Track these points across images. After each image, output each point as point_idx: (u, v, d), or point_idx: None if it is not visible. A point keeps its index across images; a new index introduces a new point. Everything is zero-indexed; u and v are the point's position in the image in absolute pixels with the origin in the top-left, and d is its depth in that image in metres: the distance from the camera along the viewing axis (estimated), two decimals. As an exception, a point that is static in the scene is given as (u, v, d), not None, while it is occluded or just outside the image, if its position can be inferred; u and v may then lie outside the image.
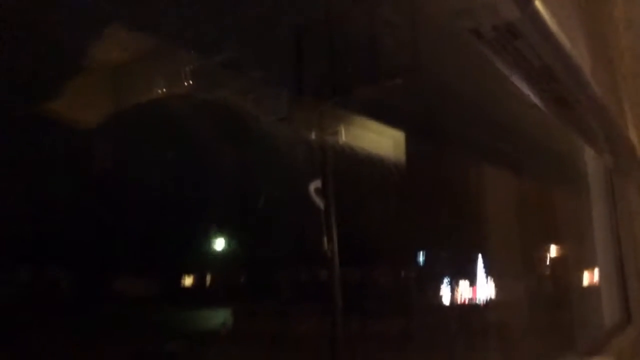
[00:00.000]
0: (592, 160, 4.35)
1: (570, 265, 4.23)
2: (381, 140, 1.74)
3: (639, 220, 4.37)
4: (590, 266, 4.34)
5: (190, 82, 1.18)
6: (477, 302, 2.83)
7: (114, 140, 1.13)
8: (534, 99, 1.89)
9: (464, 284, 2.74)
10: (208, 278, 1.78)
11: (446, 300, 2.62)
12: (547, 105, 1.96)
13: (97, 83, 1.11)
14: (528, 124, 3.05)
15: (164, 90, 1.14)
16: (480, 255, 2.86)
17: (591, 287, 4.41)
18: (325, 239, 1.38)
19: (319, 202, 1.36)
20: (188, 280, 1.79)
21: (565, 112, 2.06)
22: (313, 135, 1.34)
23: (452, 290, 2.70)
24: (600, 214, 4.33)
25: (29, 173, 1.02)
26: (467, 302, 2.79)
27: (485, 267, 2.87)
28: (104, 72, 1.11)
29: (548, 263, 3.95)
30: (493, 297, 2.95)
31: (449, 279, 2.67)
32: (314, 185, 1.35)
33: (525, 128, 3.09)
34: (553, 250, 3.96)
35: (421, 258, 2.44)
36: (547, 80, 1.68)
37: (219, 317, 1.75)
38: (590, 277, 4.47)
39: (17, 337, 0.99)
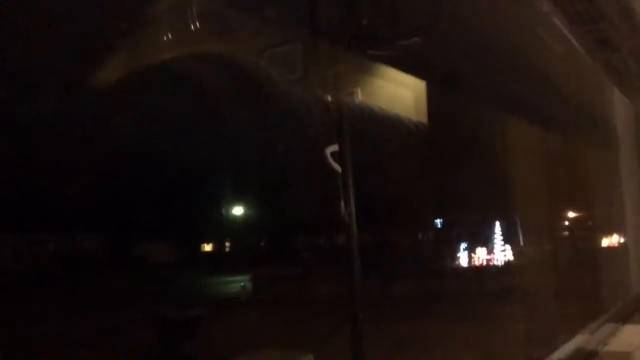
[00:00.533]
0: (622, 116, 4.19)
1: (600, 226, 4.15)
2: (400, 96, 1.71)
3: None
4: (619, 226, 4.24)
5: (197, 25, 1.11)
6: (500, 265, 2.82)
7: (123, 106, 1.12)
8: (575, 41, 1.82)
9: (489, 246, 2.74)
10: (227, 244, 1.79)
11: (464, 262, 2.62)
12: (589, 47, 1.89)
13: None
14: (558, 74, 2.94)
15: (169, 37, 1.07)
16: (502, 219, 2.83)
17: (620, 249, 4.33)
18: (342, 203, 1.37)
19: (336, 166, 1.34)
20: (208, 247, 1.81)
21: (607, 55, 1.99)
22: (329, 97, 1.32)
23: (470, 254, 2.70)
24: (629, 172, 4.19)
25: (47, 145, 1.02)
26: (484, 265, 2.78)
27: (506, 230, 2.85)
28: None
29: (574, 224, 3.89)
30: (513, 261, 2.94)
31: (467, 243, 2.66)
32: (331, 149, 1.33)
33: (556, 79, 2.99)
34: (581, 211, 3.89)
35: (440, 221, 2.43)
36: (594, 20, 1.61)
37: (239, 282, 1.77)
38: (619, 238, 4.39)
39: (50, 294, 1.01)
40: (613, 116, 4.13)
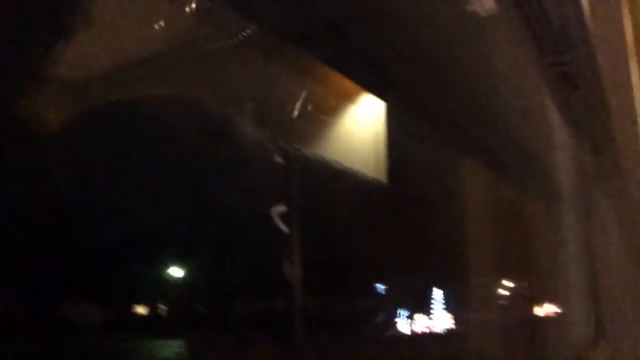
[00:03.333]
0: (566, 170, 4.31)
1: (539, 289, 4.22)
2: (356, 150, 1.70)
3: (611, 233, 4.39)
4: (561, 281, 4.32)
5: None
6: (436, 333, 2.81)
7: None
8: (538, 75, 1.87)
9: (423, 314, 2.72)
10: (162, 306, 1.70)
11: (408, 330, 2.59)
12: (550, 81, 1.95)
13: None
14: (514, 125, 2.96)
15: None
16: (446, 281, 2.83)
17: (563, 303, 4.39)
18: (288, 265, 1.33)
19: (283, 227, 1.31)
20: (141, 309, 1.71)
21: (567, 92, 2.05)
22: (279, 155, 1.29)
23: (411, 321, 2.67)
24: (572, 226, 4.31)
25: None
26: (425, 333, 2.76)
27: (450, 293, 2.85)
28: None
29: (515, 289, 3.94)
30: (453, 329, 2.93)
31: (409, 309, 2.63)
32: (279, 209, 1.30)
33: (511, 129, 3.00)
34: (520, 274, 3.95)
35: (385, 286, 2.40)
36: (560, 51, 1.66)
37: (174, 347, 1.67)
38: (561, 293, 4.46)
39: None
40: (557, 172, 4.26)
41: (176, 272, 1.58)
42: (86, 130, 1.09)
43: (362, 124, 1.74)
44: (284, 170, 1.25)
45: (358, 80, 1.61)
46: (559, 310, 4.23)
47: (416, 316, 2.73)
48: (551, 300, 4.23)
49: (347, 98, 1.68)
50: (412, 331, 2.64)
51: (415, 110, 1.99)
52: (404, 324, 2.66)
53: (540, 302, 4.14)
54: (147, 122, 1.15)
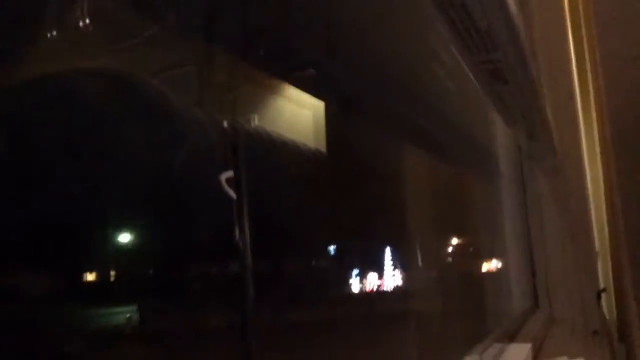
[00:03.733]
0: (503, 145, 4.48)
1: (482, 252, 4.39)
2: (298, 122, 1.71)
3: (546, 206, 4.57)
4: (501, 252, 4.51)
5: (88, 23, 1.04)
6: (387, 291, 2.89)
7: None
8: (469, 71, 1.92)
9: (374, 274, 2.80)
10: (112, 272, 1.70)
11: (356, 289, 2.66)
12: (481, 78, 2.00)
13: None
14: (447, 106, 3.10)
15: (53, 34, 1.00)
16: (392, 245, 2.91)
17: (502, 274, 4.59)
18: (237, 230, 1.34)
19: (231, 192, 1.32)
20: (90, 276, 1.69)
21: (497, 87, 2.11)
22: (225, 122, 1.29)
23: (362, 281, 2.74)
24: (510, 199, 4.49)
25: None
26: (375, 291, 2.84)
27: (396, 256, 2.93)
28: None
29: (459, 250, 4.08)
30: (403, 286, 3.02)
31: (360, 270, 2.70)
32: (226, 175, 1.31)
33: (446, 109, 3.14)
34: (464, 237, 4.10)
35: (334, 248, 2.45)
36: (488, 50, 1.69)
37: (124, 313, 1.67)
38: (501, 264, 4.66)
39: None
40: (495, 147, 4.43)
41: (125, 238, 1.58)
42: (19, 100, 1.06)
43: (301, 101, 1.77)
44: (228, 140, 1.25)
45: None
46: (498, 281, 4.41)
47: (366, 275, 2.80)
48: (491, 271, 4.41)
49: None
50: (362, 290, 2.72)
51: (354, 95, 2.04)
52: (355, 284, 2.73)
53: (481, 274, 4.31)
54: (78, 91, 1.13)
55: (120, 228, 1.55)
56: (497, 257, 4.58)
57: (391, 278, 2.90)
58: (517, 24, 1.63)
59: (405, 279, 3.00)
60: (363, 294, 2.73)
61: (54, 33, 1.04)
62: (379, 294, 2.84)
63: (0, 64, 1.02)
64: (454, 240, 3.93)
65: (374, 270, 2.86)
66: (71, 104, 1.16)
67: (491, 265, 4.57)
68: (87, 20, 1.04)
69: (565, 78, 3.90)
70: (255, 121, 1.46)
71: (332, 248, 2.41)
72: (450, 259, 3.90)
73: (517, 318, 4.01)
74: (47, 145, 1.14)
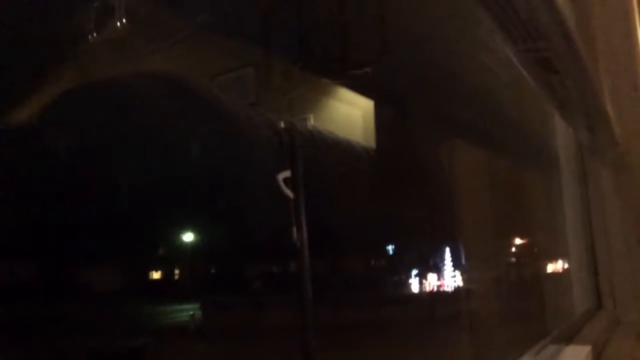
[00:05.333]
0: (563, 139, 4.32)
1: (542, 251, 4.25)
2: (352, 122, 1.72)
3: (610, 203, 4.37)
4: (561, 251, 4.36)
5: (125, 22, 1.05)
6: (446, 291, 2.86)
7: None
8: (516, 61, 1.86)
9: (432, 273, 2.78)
10: (176, 271, 1.75)
11: (415, 289, 2.64)
12: (528, 67, 1.93)
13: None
14: (501, 99, 3.02)
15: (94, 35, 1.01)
16: (451, 245, 2.87)
17: (563, 273, 4.43)
18: (295, 229, 1.36)
19: (288, 192, 1.34)
20: (155, 275, 1.76)
21: (547, 76, 2.04)
22: (282, 123, 1.31)
23: (421, 280, 2.72)
24: (572, 196, 4.32)
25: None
26: (435, 291, 2.81)
27: (455, 255, 2.89)
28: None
29: (519, 250, 3.98)
30: (462, 286, 2.97)
31: (419, 270, 2.68)
32: (283, 175, 1.33)
33: (499, 105, 3.07)
34: (524, 236, 3.99)
35: (393, 247, 2.44)
36: (533, 38, 1.65)
37: (188, 310, 1.72)
38: (562, 263, 4.50)
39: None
40: (555, 142, 4.28)
41: (189, 237, 1.62)
42: (86, 105, 1.11)
43: (355, 101, 1.78)
44: (285, 140, 1.27)
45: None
46: (560, 280, 4.27)
47: (425, 275, 2.78)
48: (550, 270, 4.27)
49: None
50: (421, 289, 2.70)
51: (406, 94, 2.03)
52: (414, 283, 2.71)
53: (540, 273, 4.18)
54: (143, 96, 1.17)
55: (184, 228, 1.60)
56: (558, 255, 4.44)
57: (450, 278, 2.86)
58: (563, 10, 1.57)
59: (464, 279, 2.95)
60: (422, 293, 2.71)
61: (95, 35, 1.07)
62: (438, 294, 2.81)
63: (56, 68, 1.07)
64: (513, 239, 3.84)
65: (433, 271, 2.83)
66: (136, 108, 1.21)
67: (551, 264, 4.43)
68: (125, 21, 1.07)
69: (629, 68, 3.72)
70: (311, 121, 1.48)
71: (390, 247, 2.40)
72: (509, 258, 3.81)
73: (577, 319, 3.87)
74: (112, 148, 1.19)
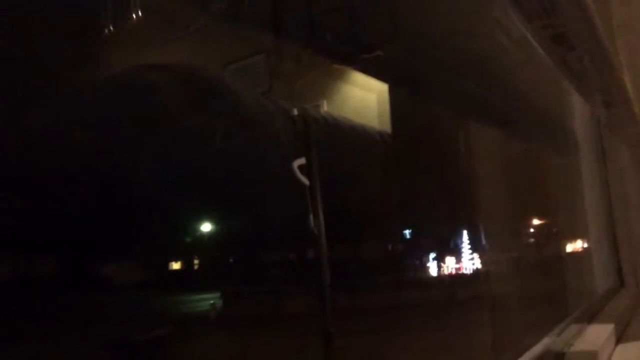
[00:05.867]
0: (582, 119, 4.24)
1: (560, 229, 4.21)
2: (365, 108, 1.71)
3: (630, 180, 4.29)
4: (581, 230, 4.30)
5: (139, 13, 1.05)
6: (466, 274, 2.85)
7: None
8: (532, 38, 1.83)
9: (452, 256, 2.77)
10: (195, 261, 1.76)
11: (434, 272, 2.64)
12: (544, 44, 1.91)
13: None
14: (518, 78, 2.98)
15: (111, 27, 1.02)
16: (468, 228, 2.86)
17: (583, 252, 4.38)
18: (311, 216, 1.36)
19: (304, 179, 1.34)
20: (175, 265, 1.77)
21: (564, 52, 2.01)
22: (295, 110, 1.31)
23: (440, 263, 2.72)
24: (590, 175, 4.24)
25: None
26: (454, 274, 2.80)
27: (473, 239, 2.88)
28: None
29: (538, 230, 3.94)
30: (481, 268, 2.96)
31: (437, 253, 2.67)
32: (299, 162, 1.33)
33: (515, 83, 3.02)
34: (543, 216, 3.94)
35: (410, 232, 2.44)
36: (548, 14, 1.62)
37: (209, 300, 1.73)
38: (582, 242, 4.44)
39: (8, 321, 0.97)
40: (572, 119, 4.21)
41: (207, 228, 1.63)
42: (108, 95, 1.12)
43: (368, 85, 1.77)
44: (298, 127, 1.27)
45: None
46: (580, 259, 4.22)
47: (443, 259, 2.77)
48: (571, 249, 4.22)
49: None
50: (439, 273, 2.69)
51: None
52: (433, 266, 2.71)
53: (560, 252, 4.14)
54: (160, 88, 1.17)
55: (202, 218, 1.61)
56: (578, 235, 4.38)
57: (469, 261, 2.85)
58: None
59: (484, 261, 2.94)
60: (441, 276, 2.71)
61: (111, 27, 1.08)
62: (457, 277, 2.80)
63: (72, 61, 1.08)
64: (532, 219, 3.80)
65: (451, 254, 2.83)
66: (152, 100, 1.22)
67: (571, 243, 4.38)
68: (140, 12, 1.08)
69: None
70: (325, 107, 1.47)
71: (407, 232, 2.40)
72: (528, 239, 3.77)
73: (599, 298, 3.83)
74: (130, 140, 1.20)
